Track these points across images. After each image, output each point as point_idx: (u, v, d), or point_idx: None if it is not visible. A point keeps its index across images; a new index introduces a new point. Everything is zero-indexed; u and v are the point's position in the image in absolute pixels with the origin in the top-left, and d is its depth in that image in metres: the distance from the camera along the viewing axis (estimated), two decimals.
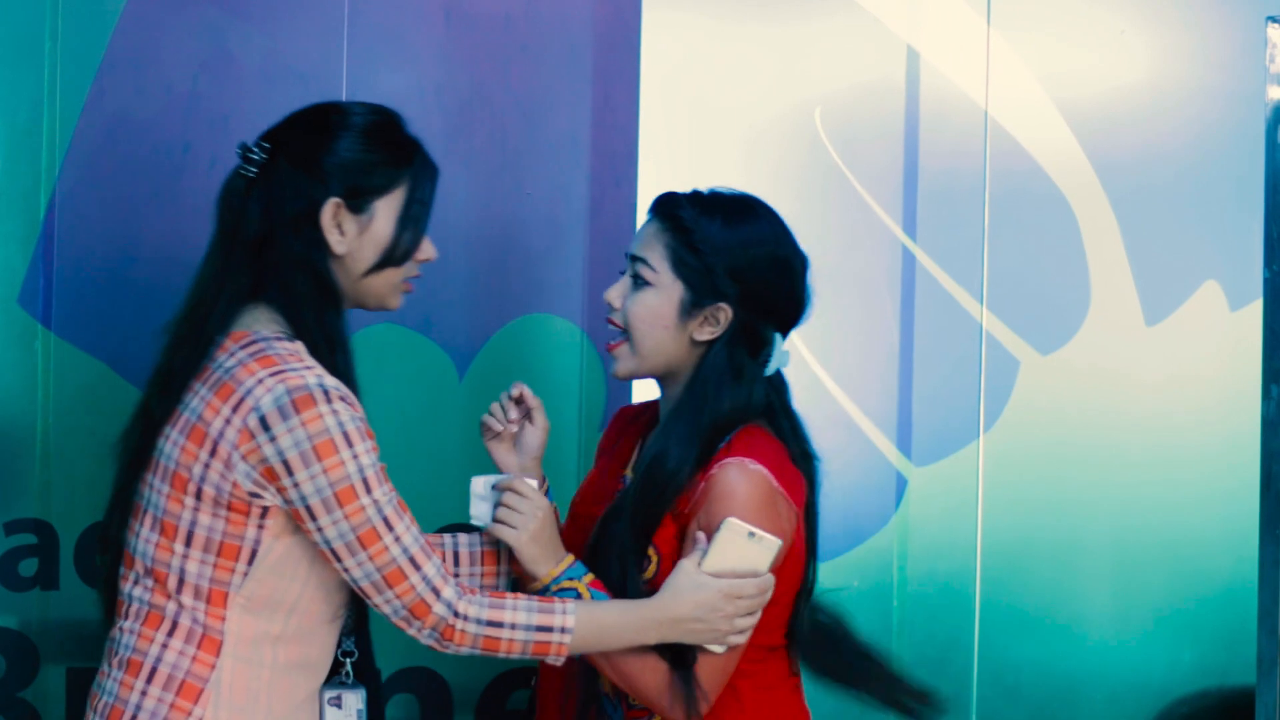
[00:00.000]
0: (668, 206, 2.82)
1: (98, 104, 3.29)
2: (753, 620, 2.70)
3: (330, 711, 2.68)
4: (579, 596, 2.71)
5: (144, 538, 2.57)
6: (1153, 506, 3.70)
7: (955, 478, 3.66)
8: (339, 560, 2.54)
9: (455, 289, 3.45)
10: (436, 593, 2.56)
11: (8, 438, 3.28)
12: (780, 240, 2.82)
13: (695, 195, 2.82)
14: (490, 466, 2.86)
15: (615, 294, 2.83)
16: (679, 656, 2.70)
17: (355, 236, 2.62)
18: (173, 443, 2.55)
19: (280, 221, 2.58)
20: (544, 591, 2.73)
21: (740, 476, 2.71)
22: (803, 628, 2.87)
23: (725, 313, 2.78)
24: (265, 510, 2.53)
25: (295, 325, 2.58)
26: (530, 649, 2.61)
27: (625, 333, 2.82)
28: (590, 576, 2.74)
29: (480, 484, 2.80)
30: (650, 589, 2.72)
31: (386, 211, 2.63)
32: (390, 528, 2.54)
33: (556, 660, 2.64)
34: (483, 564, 2.86)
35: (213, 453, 2.51)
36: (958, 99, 3.66)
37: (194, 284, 2.62)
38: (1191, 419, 3.72)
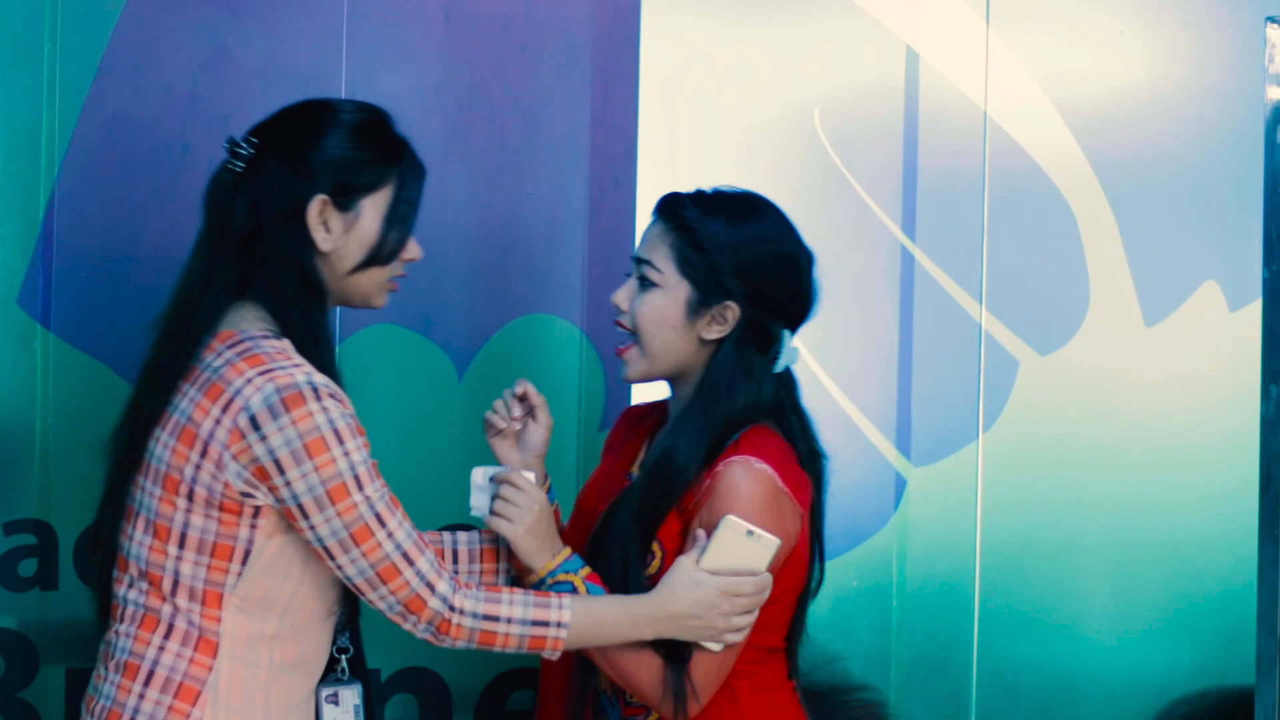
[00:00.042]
0: (671, 207, 2.82)
1: (97, 104, 3.29)
2: (749, 619, 2.70)
3: (328, 709, 2.69)
4: (574, 590, 2.71)
5: (137, 541, 2.57)
6: (1152, 507, 3.70)
7: (954, 478, 3.66)
8: (332, 558, 2.54)
9: (455, 289, 3.45)
10: (431, 587, 2.56)
11: (7, 438, 3.28)
12: (785, 237, 2.82)
13: (699, 195, 2.83)
14: (492, 461, 2.86)
15: (622, 296, 2.83)
16: (674, 653, 2.70)
17: (341, 234, 2.61)
18: (163, 445, 2.55)
19: (267, 217, 2.58)
20: (540, 584, 2.73)
21: (745, 475, 2.71)
22: (804, 630, 2.88)
23: (733, 311, 2.78)
24: (257, 510, 2.53)
25: (282, 322, 2.58)
26: (526, 643, 2.61)
27: (634, 335, 2.82)
28: (587, 570, 2.74)
29: (480, 475, 2.81)
30: (652, 584, 2.72)
31: (373, 210, 2.63)
32: (383, 524, 2.53)
33: (552, 655, 2.64)
34: (481, 561, 2.86)
35: (203, 454, 2.51)
36: (957, 99, 3.66)
37: (181, 279, 2.62)
38: (1191, 419, 3.72)
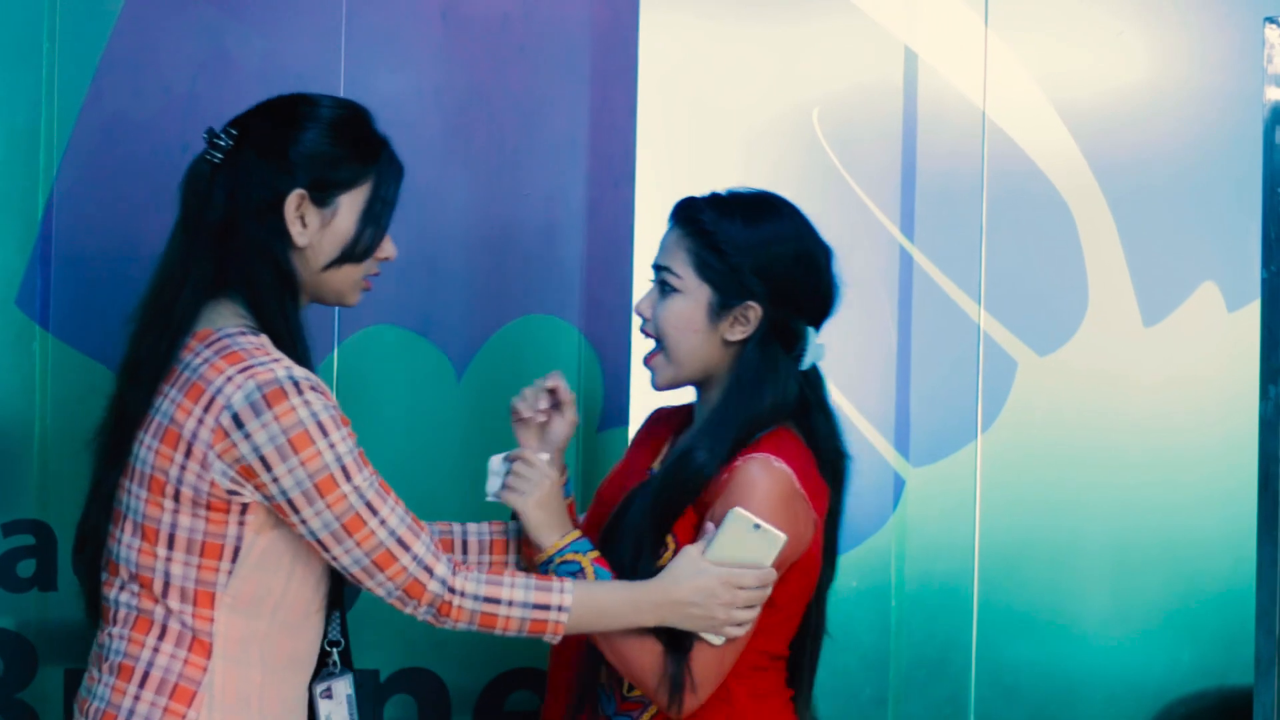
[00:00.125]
0: (687, 211, 2.83)
1: (96, 105, 3.29)
2: (751, 614, 2.70)
3: (322, 704, 2.69)
4: (581, 570, 2.71)
5: (126, 544, 2.57)
6: (1151, 507, 3.70)
7: (953, 478, 3.66)
8: (326, 550, 2.54)
9: (453, 290, 3.45)
10: (429, 570, 2.56)
11: (6, 439, 3.28)
12: (802, 234, 2.83)
13: (714, 198, 2.84)
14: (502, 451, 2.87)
15: (645, 305, 2.84)
16: (676, 642, 2.70)
17: (317, 230, 2.61)
18: (147, 447, 2.55)
19: (244, 209, 2.58)
20: (548, 563, 2.73)
21: (762, 472, 2.71)
22: (814, 641, 2.88)
23: (755, 311, 2.79)
24: (245, 507, 2.53)
25: (259, 317, 2.58)
26: (527, 627, 2.61)
27: (659, 343, 2.83)
28: (595, 554, 2.74)
29: (497, 461, 2.84)
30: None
31: (350, 207, 2.62)
32: (374, 512, 2.53)
33: (553, 639, 2.64)
34: (491, 553, 2.86)
35: (188, 454, 2.51)
36: (955, 100, 3.66)
37: (157, 270, 2.61)
38: (1189, 420, 3.72)
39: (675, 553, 2.74)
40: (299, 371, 2.52)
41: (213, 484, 2.51)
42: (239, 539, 2.54)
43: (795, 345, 2.81)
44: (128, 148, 3.30)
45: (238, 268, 2.58)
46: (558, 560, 2.74)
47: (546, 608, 2.61)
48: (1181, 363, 3.72)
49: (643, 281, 3.40)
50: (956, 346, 3.66)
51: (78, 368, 3.27)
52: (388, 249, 2.68)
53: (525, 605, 2.60)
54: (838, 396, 3.60)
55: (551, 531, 2.76)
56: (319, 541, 2.53)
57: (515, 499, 2.77)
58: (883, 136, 3.64)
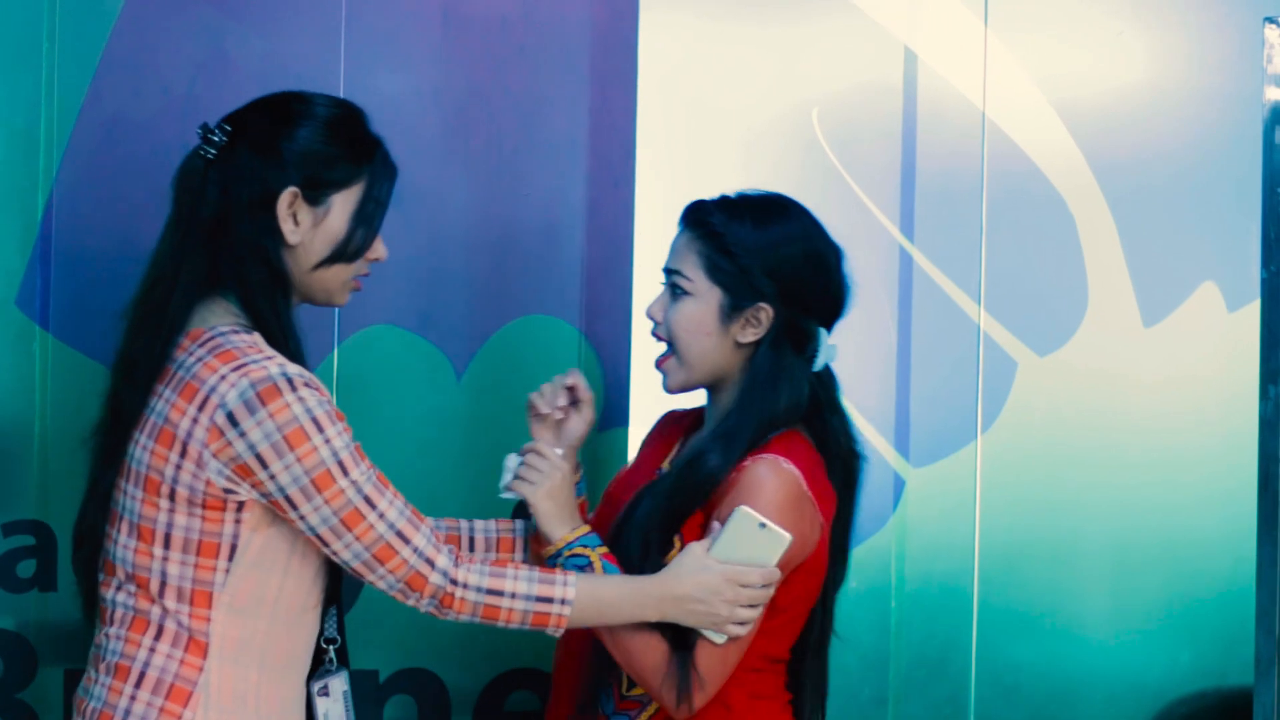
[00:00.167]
0: (697, 214, 2.84)
1: (95, 105, 3.29)
2: (753, 614, 2.70)
3: (320, 702, 2.69)
4: (589, 564, 2.72)
5: (122, 544, 2.57)
6: (1151, 507, 3.70)
7: (953, 479, 3.66)
8: (327, 545, 2.54)
9: (453, 290, 3.45)
10: (430, 562, 2.56)
11: (5, 439, 3.28)
12: (811, 235, 2.83)
13: (723, 200, 2.84)
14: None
15: (656, 308, 2.85)
16: (680, 640, 2.70)
17: (309, 228, 2.61)
18: (142, 447, 2.55)
19: (237, 205, 2.58)
20: (556, 556, 2.74)
21: (770, 472, 2.72)
22: (817, 646, 2.88)
23: (766, 313, 2.79)
24: (240, 505, 2.53)
25: (252, 315, 2.58)
26: (530, 619, 2.61)
27: (671, 346, 2.83)
28: (604, 549, 2.75)
29: (512, 459, 2.85)
30: None
31: (342, 206, 2.62)
32: (373, 505, 2.53)
33: (556, 632, 2.64)
34: (498, 550, 2.86)
35: (183, 454, 2.51)
36: (955, 100, 3.66)
37: (149, 265, 2.61)
38: (1189, 420, 3.72)
39: (681, 550, 2.74)
40: (292, 368, 2.52)
41: (208, 483, 2.51)
42: (235, 537, 2.54)
43: (807, 346, 2.82)
44: (127, 148, 3.30)
45: (231, 265, 2.58)
46: (566, 554, 2.74)
47: (549, 600, 2.61)
48: (1181, 363, 3.72)
49: (643, 282, 3.41)
50: (956, 347, 3.66)
51: (77, 368, 3.27)
52: (378, 250, 2.68)
53: (528, 597, 2.60)
54: None
55: (561, 524, 2.76)
56: (319, 537, 2.54)
57: (525, 489, 2.78)
58: (882, 136, 3.64)
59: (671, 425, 3.01)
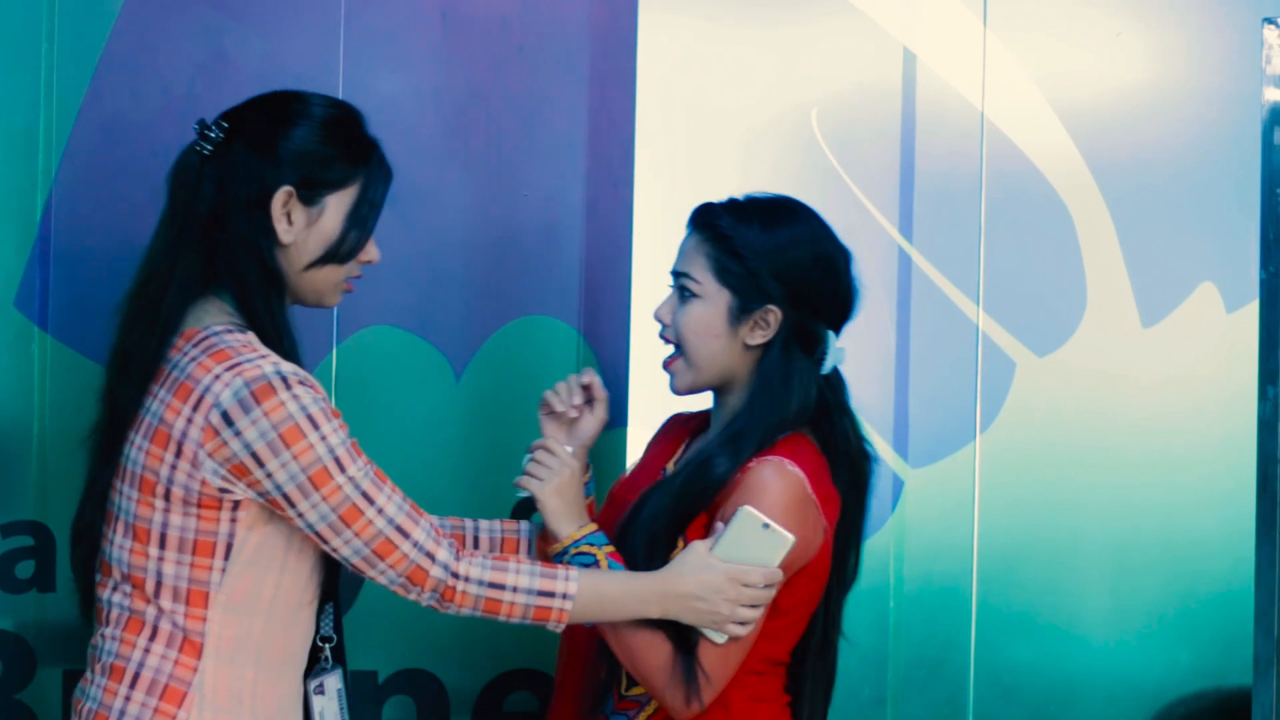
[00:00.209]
0: (705, 217, 2.85)
1: (94, 106, 3.29)
2: (755, 614, 2.70)
3: (316, 700, 2.69)
4: (596, 562, 2.72)
5: (118, 544, 2.57)
6: (1149, 508, 3.70)
7: (952, 479, 3.66)
8: (326, 542, 2.54)
9: (452, 291, 3.45)
10: (430, 556, 2.56)
11: (4, 439, 3.28)
12: (820, 238, 2.84)
13: (731, 203, 2.85)
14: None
15: (665, 310, 2.86)
16: (684, 640, 2.70)
17: (303, 228, 2.61)
18: (137, 448, 2.55)
19: (232, 202, 2.58)
20: (563, 554, 2.74)
21: (775, 474, 2.72)
22: (820, 649, 2.88)
23: (774, 315, 2.80)
24: (236, 504, 2.53)
25: (247, 313, 2.58)
26: (531, 614, 2.60)
27: (679, 348, 2.83)
28: (610, 548, 2.74)
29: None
30: None
31: (336, 207, 2.62)
32: (371, 501, 2.53)
33: (557, 627, 2.64)
34: (503, 550, 2.86)
35: (178, 453, 2.51)
36: (954, 101, 3.66)
37: (144, 261, 2.61)
38: (1188, 420, 3.72)
39: (684, 548, 2.74)
40: (287, 367, 2.52)
41: (204, 483, 2.51)
42: (231, 536, 2.54)
43: (815, 349, 2.83)
44: (126, 148, 3.30)
45: (226, 262, 2.58)
46: (573, 551, 2.74)
47: (551, 595, 2.61)
48: (1180, 363, 3.72)
49: (642, 282, 3.41)
50: (955, 347, 3.66)
51: (76, 368, 3.27)
52: (371, 252, 2.68)
53: (530, 592, 2.60)
54: None
55: (569, 521, 2.76)
56: (318, 534, 2.54)
57: (533, 484, 2.78)
58: (881, 137, 3.64)
59: (678, 427, 3.01)
